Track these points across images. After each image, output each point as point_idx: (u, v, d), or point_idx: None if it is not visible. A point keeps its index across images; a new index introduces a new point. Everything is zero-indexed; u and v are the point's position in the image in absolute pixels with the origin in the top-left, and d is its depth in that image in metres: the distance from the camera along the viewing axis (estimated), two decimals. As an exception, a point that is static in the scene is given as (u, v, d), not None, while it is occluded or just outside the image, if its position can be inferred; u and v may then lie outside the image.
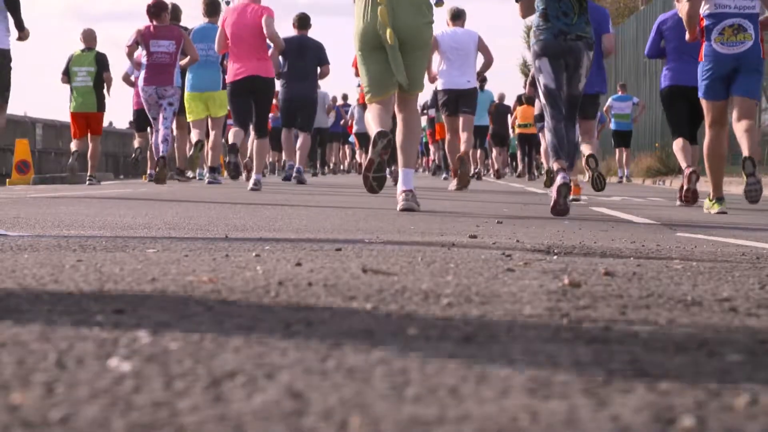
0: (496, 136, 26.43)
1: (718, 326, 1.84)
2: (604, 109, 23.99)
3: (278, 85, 13.75)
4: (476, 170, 23.02)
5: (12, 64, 8.51)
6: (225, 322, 1.75)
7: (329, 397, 1.21)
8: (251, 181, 10.37)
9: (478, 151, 23.30)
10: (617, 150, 23.49)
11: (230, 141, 11.13)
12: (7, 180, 16.12)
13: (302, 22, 13.59)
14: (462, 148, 12.27)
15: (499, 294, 2.19)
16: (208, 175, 12.74)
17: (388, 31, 6.45)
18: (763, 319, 1.95)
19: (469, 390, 1.26)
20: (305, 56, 13.41)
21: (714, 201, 7.71)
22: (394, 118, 6.85)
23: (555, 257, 3.21)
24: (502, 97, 27.24)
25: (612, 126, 23.25)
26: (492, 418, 1.13)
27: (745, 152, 7.48)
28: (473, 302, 2.05)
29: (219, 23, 10.99)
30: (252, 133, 11.50)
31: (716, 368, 1.44)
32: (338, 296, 2.09)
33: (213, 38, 11.97)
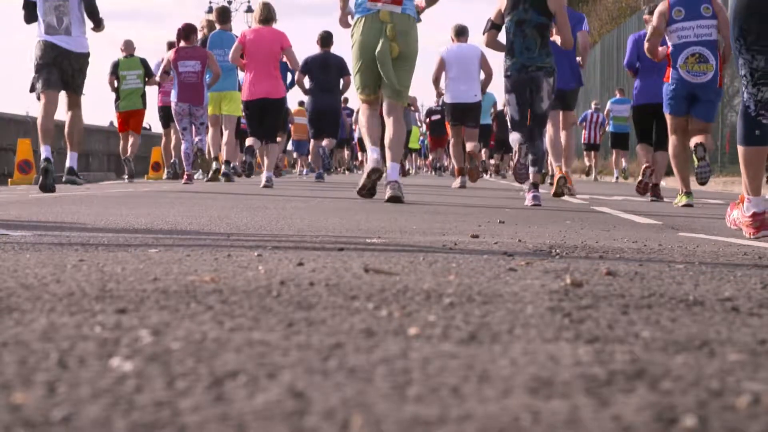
0: (499, 141, 26.54)
1: (719, 326, 1.84)
2: (605, 112, 24.15)
3: (306, 99, 15.52)
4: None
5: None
6: (226, 321, 1.75)
7: (331, 396, 1.21)
8: (263, 179, 11.48)
9: (483, 151, 23.50)
10: (614, 151, 23.69)
11: (248, 143, 12.31)
12: (9, 180, 16.13)
13: (325, 40, 14.88)
14: (468, 148, 13.34)
15: (501, 294, 2.19)
16: (224, 167, 13.86)
17: (393, 45, 7.90)
18: (765, 318, 1.95)
19: (470, 390, 1.26)
20: (329, 71, 14.69)
21: (682, 195, 8.89)
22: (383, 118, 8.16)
23: (557, 257, 3.21)
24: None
25: (610, 128, 23.43)
26: (494, 418, 1.13)
27: (699, 141, 8.69)
28: (475, 302, 2.05)
29: (237, 41, 12.08)
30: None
31: (718, 368, 1.44)
32: (340, 296, 2.09)
33: (227, 44, 13.37)
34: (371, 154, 7.94)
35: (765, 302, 2.19)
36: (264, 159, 12.15)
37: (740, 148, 4.70)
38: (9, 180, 16.13)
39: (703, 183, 8.98)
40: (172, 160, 16.30)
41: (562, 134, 10.98)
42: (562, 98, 10.67)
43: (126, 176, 15.36)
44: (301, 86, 14.80)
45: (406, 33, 7.98)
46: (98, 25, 9.54)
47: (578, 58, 11.08)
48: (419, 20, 8.20)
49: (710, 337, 1.71)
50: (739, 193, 5.06)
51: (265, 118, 11.97)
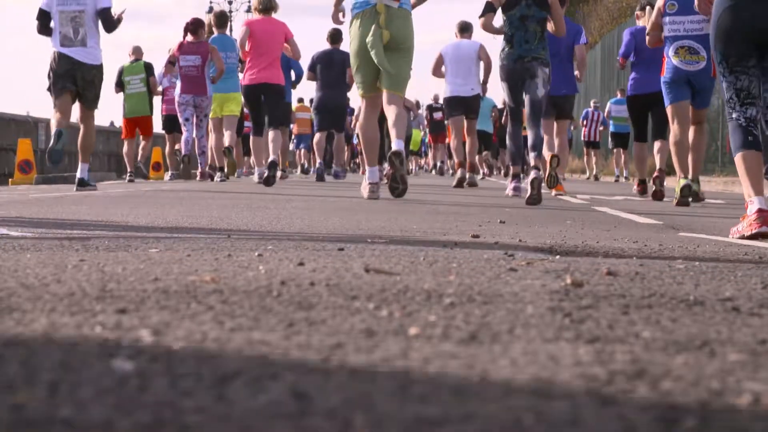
0: (500, 138, 26.62)
1: (720, 326, 1.84)
2: (605, 113, 24.27)
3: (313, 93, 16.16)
4: (483, 172, 24.02)
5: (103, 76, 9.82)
6: (227, 321, 1.75)
7: (332, 396, 1.21)
8: (266, 162, 11.86)
9: (484, 153, 23.75)
10: (616, 151, 23.78)
11: (253, 152, 12.82)
12: (10, 180, 16.15)
13: (333, 37, 15.39)
14: (467, 157, 13.54)
15: (502, 294, 2.19)
16: (219, 173, 14.11)
17: (384, 32, 8.05)
18: (765, 318, 1.95)
19: (471, 390, 1.27)
20: (333, 67, 15.16)
21: (681, 179, 9.01)
22: (380, 122, 8.64)
23: (557, 257, 3.21)
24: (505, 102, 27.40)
25: (611, 128, 23.54)
26: (495, 418, 1.13)
27: (690, 175, 9.03)
28: (475, 302, 2.05)
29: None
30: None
31: (718, 368, 1.45)
32: (340, 296, 2.09)
33: (229, 47, 13.85)
34: (369, 177, 8.34)
35: (765, 302, 2.19)
36: (270, 144, 12.46)
37: (737, 157, 4.80)
38: (9, 180, 16.14)
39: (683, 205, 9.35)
40: (176, 148, 16.35)
41: (556, 140, 11.26)
42: (555, 105, 10.92)
43: (127, 176, 15.56)
44: (313, 80, 15.33)
45: (402, 24, 8.18)
46: (114, 28, 9.79)
47: (576, 72, 11.25)
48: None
49: (711, 337, 1.71)
50: (740, 193, 5.07)
51: (265, 103, 12.28)
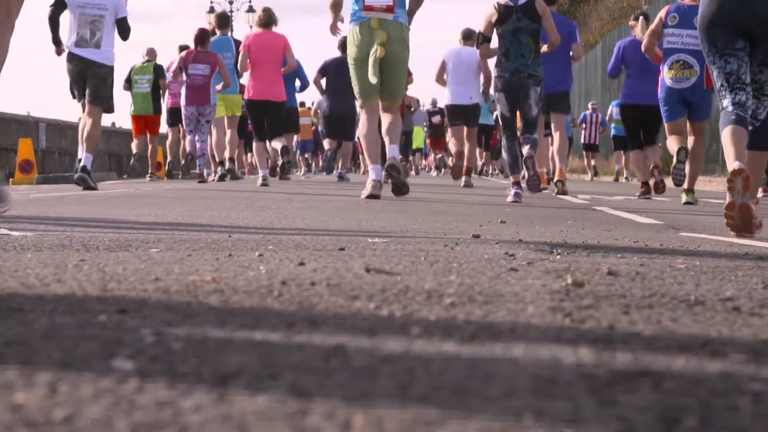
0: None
1: (721, 326, 1.84)
2: (607, 116, 24.39)
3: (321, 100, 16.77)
4: (482, 167, 24.05)
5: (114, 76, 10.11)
6: (228, 321, 1.75)
7: (333, 396, 1.21)
8: (269, 162, 12.75)
9: (484, 153, 23.80)
10: (616, 153, 23.87)
11: (255, 156, 13.46)
12: (11, 180, 16.16)
13: (344, 46, 15.42)
14: (466, 163, 13.87)
15: (502, 294, 2.19)
16: (228, 163, 14.62)
17: (379, 49, 8.36)
18: (766, 318, 1.95)
19: (472, 389, 1.26)
20: (343, 75, 15.40)
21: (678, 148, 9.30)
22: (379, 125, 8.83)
23: (558, 257, 3.21)
24: None
25: (612, 131, 23.64)
26: (496, 418, 1.13)
27: (686, 184, 9.21)
28: (476, 302, 2.05)
29: (241, 47, 12.84)
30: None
31: (720, 368, 1.44)
32: (341, 296, 2.09)
33: (227, 48, 14.34)
34: (372, 174, 8.51)
35: (766, 302, 2.18)
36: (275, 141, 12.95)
37: (723, 132, 4.94)
38: (10, 180, 16.16)
39: (678, 184, 9.41)
40: (169, 160, 16.51)
41: (556, 135, 11.47)
42: (550, 102, 11.17)
43: (132, 158, 16.23)
44: (318, 86, 15.68)
45: (396, 39, 8.48)
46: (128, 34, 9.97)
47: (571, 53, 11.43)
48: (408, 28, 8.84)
49: (712, 337, 1.71)
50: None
51: (267, 118, 12.76)
